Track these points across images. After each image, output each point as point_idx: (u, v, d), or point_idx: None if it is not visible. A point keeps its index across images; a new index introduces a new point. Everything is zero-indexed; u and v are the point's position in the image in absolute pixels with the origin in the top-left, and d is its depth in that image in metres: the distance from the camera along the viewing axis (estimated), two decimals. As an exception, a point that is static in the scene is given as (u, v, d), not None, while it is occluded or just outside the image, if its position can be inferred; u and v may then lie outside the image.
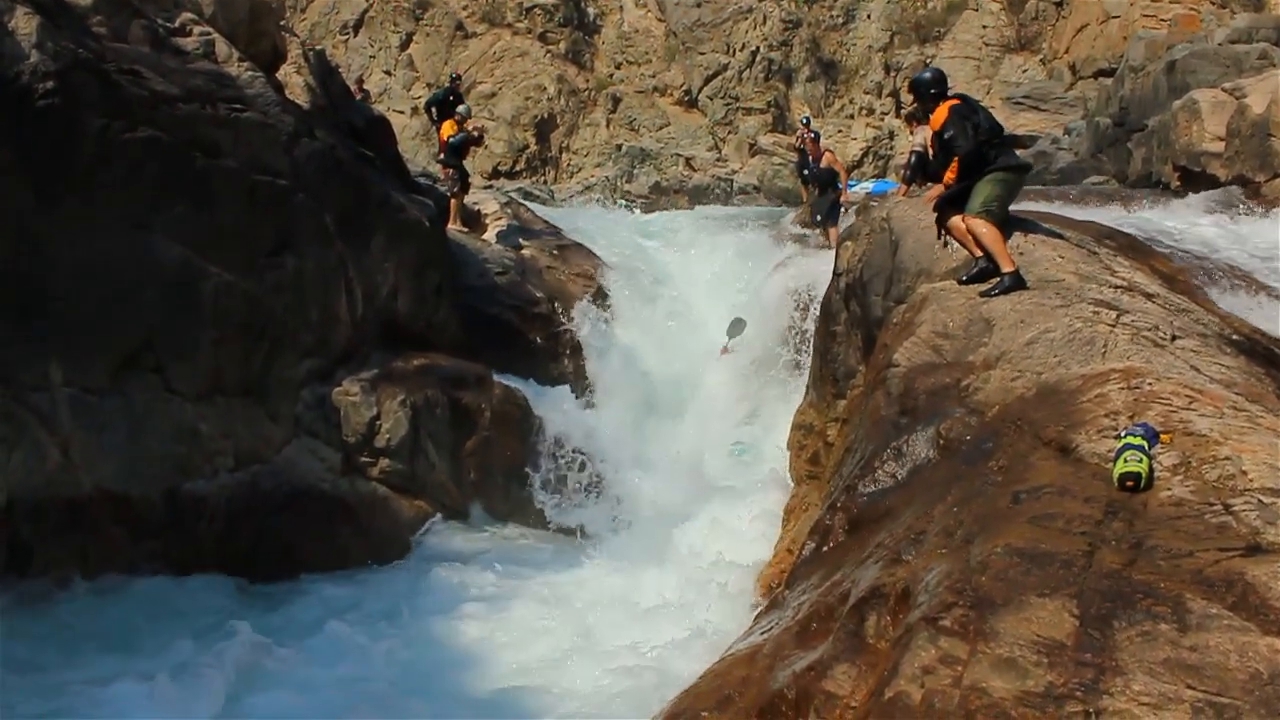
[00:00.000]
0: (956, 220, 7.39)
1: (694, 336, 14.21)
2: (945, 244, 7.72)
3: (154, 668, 7.01)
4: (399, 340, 11.21)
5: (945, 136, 7.40)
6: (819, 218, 15.81)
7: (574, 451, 11.48)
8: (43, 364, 8.22)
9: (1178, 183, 14.92)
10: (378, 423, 10.32)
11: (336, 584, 9.21)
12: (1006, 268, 7.01)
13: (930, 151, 8.05)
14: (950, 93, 7.71)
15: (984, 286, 7.02)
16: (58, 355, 8.29)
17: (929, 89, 7.77)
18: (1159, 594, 3.70)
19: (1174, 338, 6.18)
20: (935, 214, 7.70)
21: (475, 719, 6.74)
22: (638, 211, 23.92)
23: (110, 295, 8.64)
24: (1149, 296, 6.99)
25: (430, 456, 10.58)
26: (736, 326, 13.48)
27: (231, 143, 9.69)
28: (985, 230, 7.17)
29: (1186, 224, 11.41)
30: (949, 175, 7.38)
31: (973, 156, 7.32)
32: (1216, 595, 3.64)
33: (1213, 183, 13.97)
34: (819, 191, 16.02)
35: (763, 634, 5.64)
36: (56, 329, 8.30)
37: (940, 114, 7.44)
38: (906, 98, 8.44)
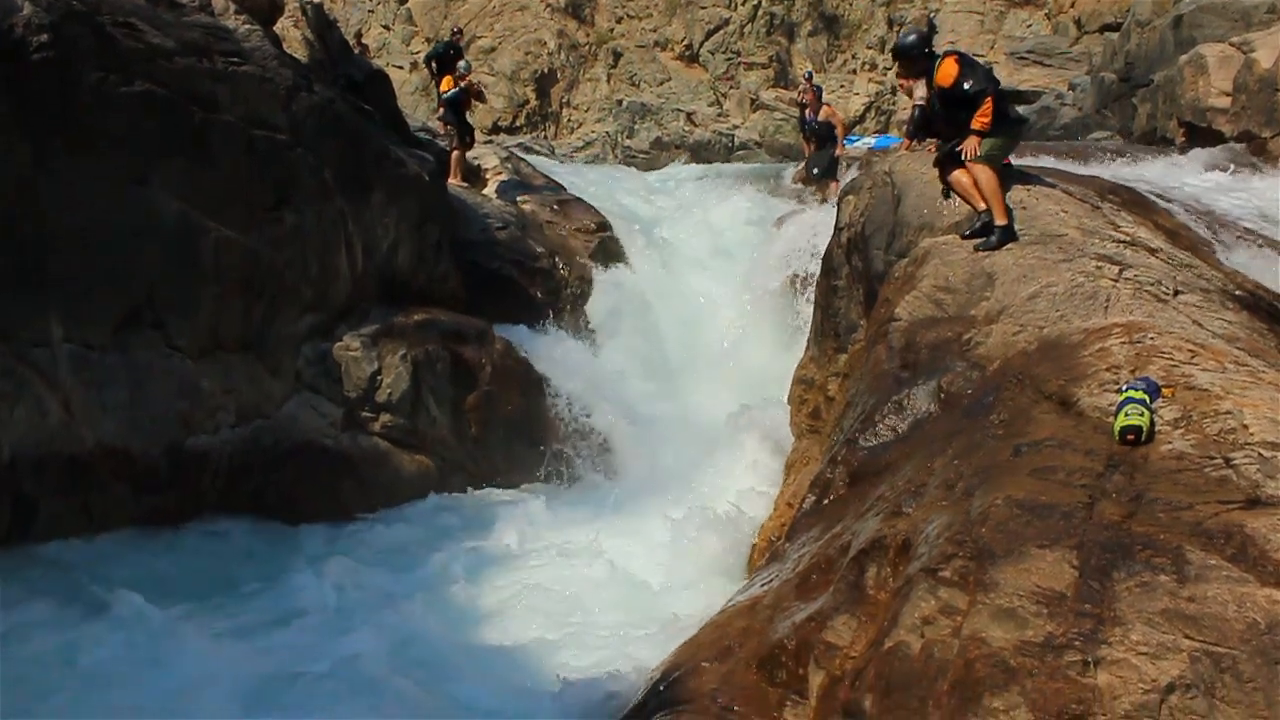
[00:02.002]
0: (959, 174, 7.35)
1: (697, 290, 14.16)
2: (948, 197, 7.68)
3: (156, 624, 7.06)
4: (399, 295, 11.17)
5: (966, 85, 7.23)
6: (815, 172, 15.73)
7: (576, 407, 11.49)
8: (43, 320, 8.19)
9: (1183, 138, 14.78)
10: (378, 378, 10.33)
11: (337, 538, 9.25)
12: (999, 220, 7.02)
13: (929, 109, 7.96)
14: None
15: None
16: (58, 311, 8.27)
17: (920, 49, 7.70)
18: (1158, 546, 3.72)
19: (1176, 293, 6.17)
20: (938, 168, 7.66)
21: (469, 676, 6.76)
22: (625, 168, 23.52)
23: (110, 251, 8.59)
24: (1152, 251, 6.96)
25: (431, 411, 10.61)
26: None
27: (229, 97, 9.59)
28: (987, 177, 7.13)
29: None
30: (982, 120, 7.18)
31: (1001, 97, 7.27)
32: (1215, 547, 3.66)
33: (1218, 138, 13.87)
34: (817, 146, 15.95)
35: (763, 586, 5.70)
36: (56, 285, 8.27)
37: (950, 68, 7.32)
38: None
